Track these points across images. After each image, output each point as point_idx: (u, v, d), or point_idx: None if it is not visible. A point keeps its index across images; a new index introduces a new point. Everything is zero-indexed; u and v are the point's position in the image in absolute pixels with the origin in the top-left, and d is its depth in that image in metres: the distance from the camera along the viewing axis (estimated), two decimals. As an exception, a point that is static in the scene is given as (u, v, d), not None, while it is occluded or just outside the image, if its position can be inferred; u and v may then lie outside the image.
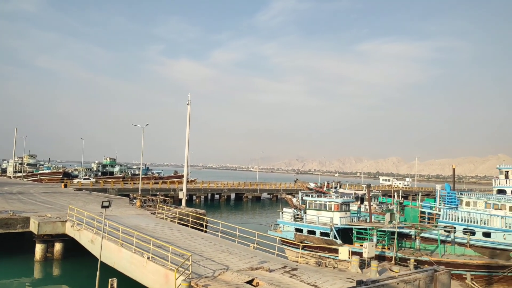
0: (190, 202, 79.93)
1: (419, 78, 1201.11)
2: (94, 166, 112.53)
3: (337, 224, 33.17)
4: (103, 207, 22.56)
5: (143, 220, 36.62)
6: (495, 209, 33.22)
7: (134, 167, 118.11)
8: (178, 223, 36.42)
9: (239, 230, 29.99)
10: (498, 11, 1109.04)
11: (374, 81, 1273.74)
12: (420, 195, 53.99)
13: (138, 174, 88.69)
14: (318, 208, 34.98)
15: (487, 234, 30.90)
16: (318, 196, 39.02)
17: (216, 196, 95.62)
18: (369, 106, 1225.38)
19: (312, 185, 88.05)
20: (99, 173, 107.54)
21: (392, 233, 31.29)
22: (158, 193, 61.56)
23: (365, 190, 47.61)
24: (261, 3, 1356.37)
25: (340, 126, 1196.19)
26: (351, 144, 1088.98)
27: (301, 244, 30.15)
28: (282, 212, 37.43)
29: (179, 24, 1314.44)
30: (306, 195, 42.58)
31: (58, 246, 32.94)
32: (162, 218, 38.37)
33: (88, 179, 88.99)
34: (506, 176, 47.78)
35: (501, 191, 46.66)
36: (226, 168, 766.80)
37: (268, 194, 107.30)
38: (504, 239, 30.00)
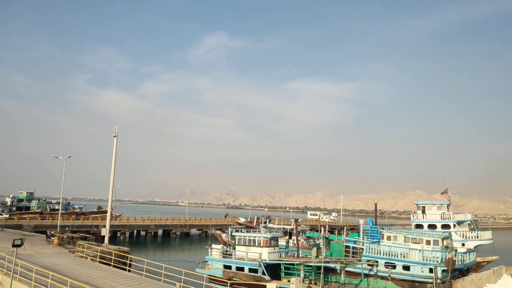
0: (114, 239, 76.00)
1: (344, 117, 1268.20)
2: (8, 200, 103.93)
3: (265, 260, 33.11)
4: (14, 245, 20.78)
5: (61, 259, 34.13)
6: (414, 243, 34.99)
7: (54, 201, 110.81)
8: (100, 262, 34.34)
9: (165, 269, 28.89)
10: (416, 56, 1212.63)
11: (303, 118, 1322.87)
12: (345, 230, 55.65)
13: (58, 209, 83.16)
14: (247, 244, 34.80)
15: (406, 267, 32.36)
16: (247, 231, 38.85)
17: (143, 233, 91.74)
18: (298, 143, 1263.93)
19: (242, 220, 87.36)
20: (14, 208, 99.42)
21: (319, 267, 31.80)
22: (66, 228, 57.54)
23: (293, 225, 48.21)
24: (193, 39, 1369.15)
25: (271, 161, 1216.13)
26: (281, 179, 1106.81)
27: (229, 282, 29.62)
28: (211, 249, 36.76)
29: (108, 54, 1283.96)
30: (236, 231, 42.24)
31: (-41, 291, 29.52)
32: (82, 256, 36.03)
33: (1, 214, 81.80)
34: (423, 211, 50.60)
35: (419, 226, 49.28)
36: (154, 203, 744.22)
37: (197, 229, 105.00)
38: (422, 271, 31.57)
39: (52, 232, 49.10)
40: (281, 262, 33.65)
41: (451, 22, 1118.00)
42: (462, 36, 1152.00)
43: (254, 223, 77.62)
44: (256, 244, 34.37)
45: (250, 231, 38.60)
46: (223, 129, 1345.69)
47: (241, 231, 38.62)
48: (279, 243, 37.48)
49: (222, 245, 39.39)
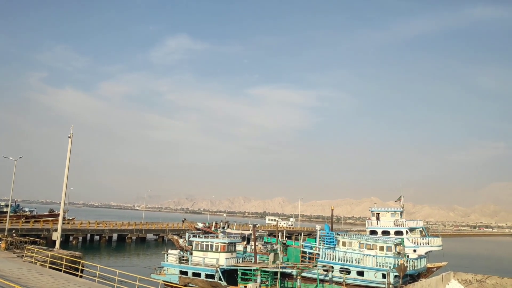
0: (66, 243, 73.40)
1: (304, 123, 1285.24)
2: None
3: (222, 265, 32.95)
4: (-44, 250, 19.62)
5: (8, 265, 32.55)
6: (368, 249, 35.86)
7: (2, 203, 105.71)
8: (50, 267, 33.01)
9: (119, 274, 28.14)
10: (374, 66, 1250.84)
11: (264, 124, 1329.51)
12: (302, 235, 56.41)
13: (6, 212, 79.40)
14: (204, 249, 34.53)
15: (360, 273, 33.09)
16: (205, 236, 38.57)
17: (96, 237, 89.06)
18: (258, 148, 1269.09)
19: (200, 225, 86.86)
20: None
21: (276, 273, 31.97)
22: (13, 231, 55.06)
23: (251, 230, 48.30)
24: (156, 40, 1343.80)
25: (231, 166, 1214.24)
26: (240, 184, 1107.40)
27: (185, 288, 29.24)
28: (167, 254, 36.19)
29: (66, 52, 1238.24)
30: (193, 236, 41.92)
31: None
32: (31, 262, 34.54)
33: None
34: (377, 218, 51.89)
35: (373, 232, 50.52)
36: (109, 207, 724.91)
37: (154, 234, 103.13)
38: (375, 277, 32.38)
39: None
40: (238, 267, 33.59)
41: (410, 34, 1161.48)
42: (419, 49, 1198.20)
43: (212, 228, 77.34)
44: (214, 250, 34.16)
45: (208, 236, 38.33)
46: (184, 133, 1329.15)
47: (198, 236, 38.27)
48: (237, 248, 37.42)
49: (178, 250, 38.91)
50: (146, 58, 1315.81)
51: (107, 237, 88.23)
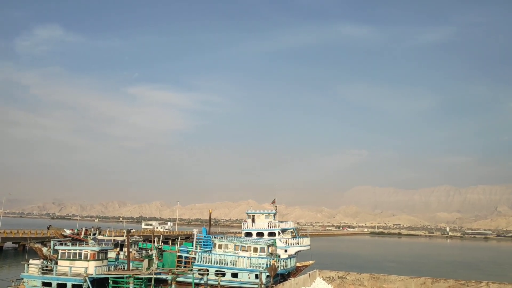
0: None
1: (185, 126, 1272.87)
2: None
3: (92, 274, 31.07)
4: None
5: None
6: (243, 250, 36.85)
7: None
8: None
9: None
10: (254, 73, 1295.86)
11: (142, 125, 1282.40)
12: (179, 239, 55.73)
13: None
14: (72, 258, 32.25)
15: (235, 275, 33.87)
16: (73, 244, 35.91)
17: None
18: (135, 149, 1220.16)
19: (68, 231, 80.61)
20: None
21: (150, 279, 31.13)
22: None
23: (125, 236, 46.31)
24: (23, 27, 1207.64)
25: (105, 168, 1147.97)
26: (115, 188, 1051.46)
27: (47, 301, 26.88)
28: (28, 265, 32.91)
29: None
30: (60, 244, 38.77)
31: None
32: None
33: None
34: (253, 220, 53.63)
35: (248, 234, 52.06)
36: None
37: (13, 243, 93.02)
38: (249, 278, 33.43)
39: None
40: (109, 275, 31.95)
41: (288, 45, 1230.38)
42: (296, 60, 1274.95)
43: (82, 235, 72.32)
44: (82, 258, 32.02)
45: (76, 244, 35.79)
46: (51, 131, 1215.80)
47: (65, 244, 35.55)
48: (109, 256, 35.59)
49: (42, 260, 35.69)
50: (9, 47, 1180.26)
51: (-47, 248, 77.15)
